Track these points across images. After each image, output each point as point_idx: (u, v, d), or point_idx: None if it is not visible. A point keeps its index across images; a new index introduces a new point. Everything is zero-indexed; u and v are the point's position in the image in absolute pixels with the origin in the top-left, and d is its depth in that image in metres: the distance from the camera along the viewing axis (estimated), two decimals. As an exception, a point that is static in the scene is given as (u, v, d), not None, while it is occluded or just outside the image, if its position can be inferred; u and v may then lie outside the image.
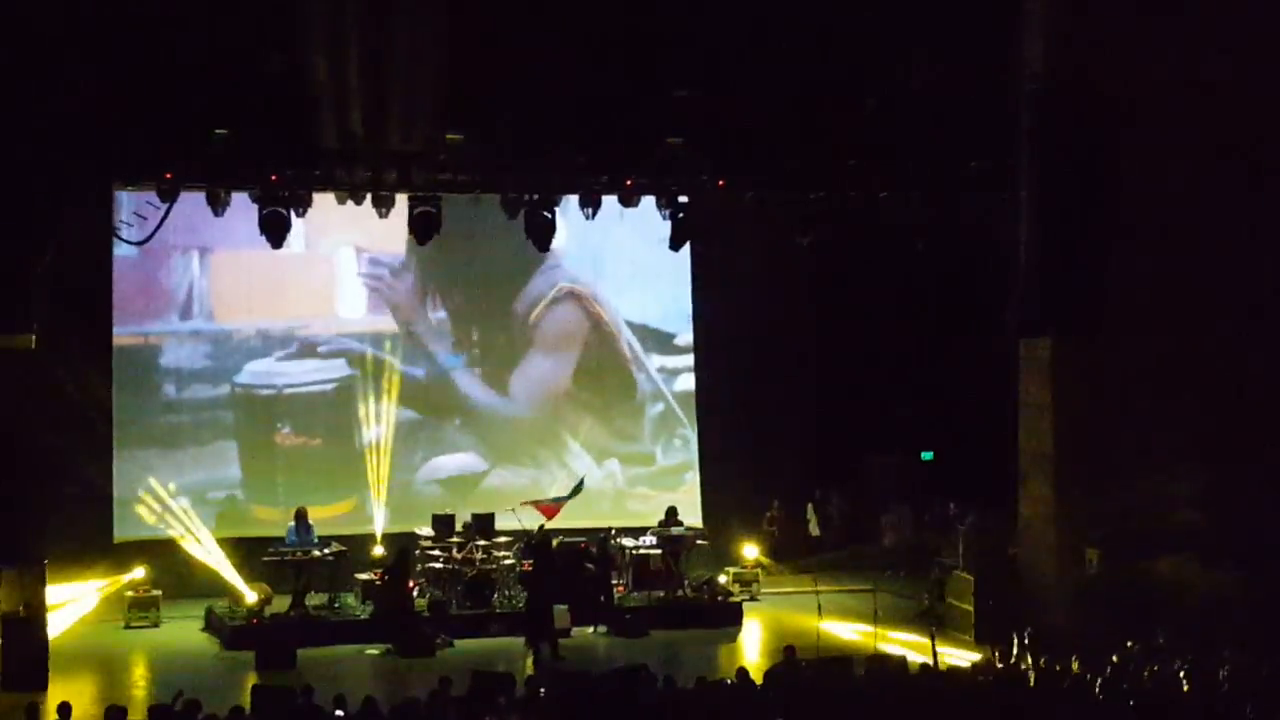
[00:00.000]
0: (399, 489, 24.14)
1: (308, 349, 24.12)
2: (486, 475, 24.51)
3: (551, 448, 25.04)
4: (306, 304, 24.22)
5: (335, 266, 24.26)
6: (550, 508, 22.24)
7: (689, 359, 25.46)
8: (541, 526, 21.37)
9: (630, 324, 25.35)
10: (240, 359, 23.88)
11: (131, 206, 21.63)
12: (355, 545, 22.16)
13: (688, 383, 25.54)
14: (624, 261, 24.95)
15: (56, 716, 13.34)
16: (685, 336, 25.50)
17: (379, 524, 23.06)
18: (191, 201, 20.62)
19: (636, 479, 25.30)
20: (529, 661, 19.10)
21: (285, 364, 24.01)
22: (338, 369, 24.24)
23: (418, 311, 24.53)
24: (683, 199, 21.91)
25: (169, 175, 20.14)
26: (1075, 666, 15.26)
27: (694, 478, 25.41)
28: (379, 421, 24.17)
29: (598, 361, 25.16)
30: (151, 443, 23.44)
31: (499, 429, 24.86)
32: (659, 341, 25.47)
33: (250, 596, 20.53)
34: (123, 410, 23.25)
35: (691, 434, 25.42)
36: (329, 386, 24.21)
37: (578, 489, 22.77)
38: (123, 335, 23.32)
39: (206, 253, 23.57)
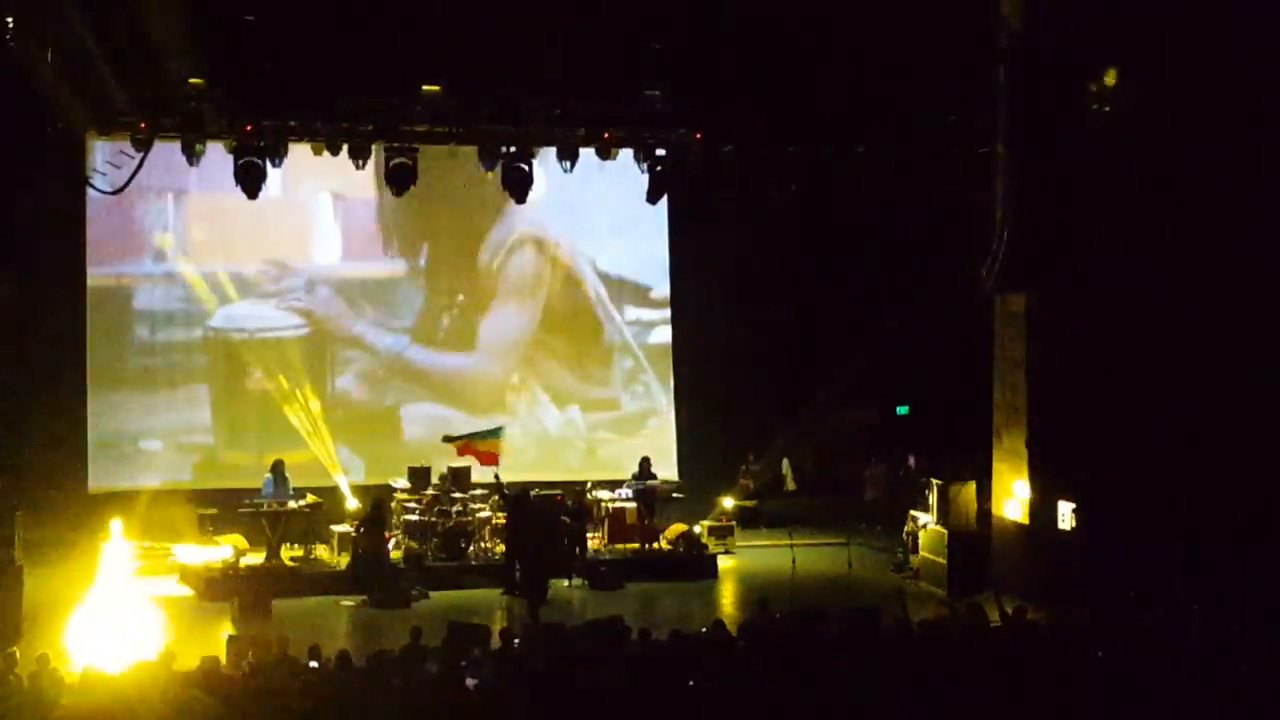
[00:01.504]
0: (369, 437, 24.16)
1: (282, 293, 24.07)
2: (456, 422, 24.56)
3: (520, 395, 25.08)
4: (281, 248, 24.21)
5: (311, 212, 24.24)
6: (480, 453, 22.18)
7: (662, 312, 25.49)
8: (526, 489, 21.35)
9: (603, 274, 25.36)
10: (213, 302, 23.80)
11: (105, 156, 21.56)
12: (330, 497, 22.20)
13: (655, 332, 25.62)
14: (600, 213, 24.94)
15: (35, 667, 13.33)
16: (658, 287, 25.53)
17: (343, 480, 23.07)
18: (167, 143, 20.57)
19: (597, 424, 25.38)
20: (503, 614, 19.18)
21: (258, 308, 23.95)
22: (311, 314, 24.21)
23: (392, 258, 24.50)
24: (660, 152, 21.88)
25: (144, 125, 20.05)
26: (1047, 619, 15.37)
27: (657, 423, 25.64)
28: (349, 369, 24.18)
29: (563, 309, 25.16)
30: (124, 386, 23.40)
31: (468, 376, 24.95)
32: (630, 291, 25.49)
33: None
34: (95, 352, 23.22)
35: (654, 380, 25.48)
36: (302, 331, 24.19)
37: (497, 431, 22.72)
38: (96, 276, 23.24)
39: (181, 195, 23.49)
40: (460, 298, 25.02)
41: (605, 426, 25.54)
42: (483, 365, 25.02)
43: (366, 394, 24.46)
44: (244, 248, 23.88)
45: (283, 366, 24.09)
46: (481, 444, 22.38)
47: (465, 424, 24.30)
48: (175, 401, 23.77)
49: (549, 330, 25.18)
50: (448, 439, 22.52)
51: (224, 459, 23.90)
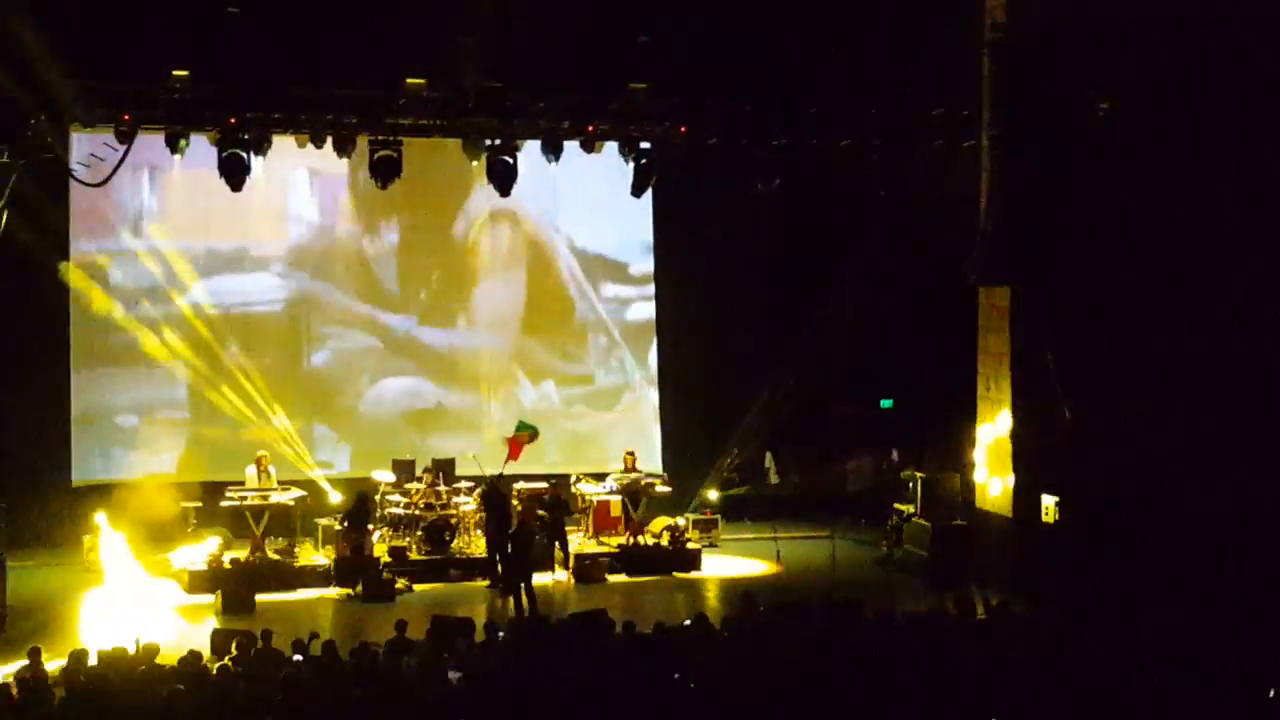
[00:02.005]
0: (345, 413, 24.17)
1: (258, 269, 24.04)
2: (432, 399, 24.57)
3: (496, 371, 25.10)
4: (258, 224, 24.09)
5: (288, 188, 24.11)
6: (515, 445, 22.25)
7: (639, 289, 25.45)
8: (499, 475, 21.32)
9: (578, 250, 25.34)
10: (190, 278, 23.77)
11: (89, 148, 21.50)
12: (315, 490, 22.19)
13: (631, 309, 25.65)
14: (576, 188, 24.81)
15: (27, 659, 13.31)
16: (635, 263, 25.46)
17: (321, 473, 23.08)
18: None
19: (572, 399, 25.43)
20: (486, 607, 19.19)
21: (235, 283, 23.88)
22: (287, 290, 24.18)
23: (368, 233, 24.45)
24: (645, 145, 21.88)
25: (126, 117, 20.00)
26: (1028, 612, 15.42)
27: (631, 399, 25.65)
28: (326, 344, 24.18)
29: (538, 284, 25.11)
30: (101, 362, 23.35)
31: (445, 353, 24.92)
32: (606, 267, 25.48)
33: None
34: (75, 330, 23.18)
35: (628, 356, 25.57)
36: (277, 307, 24.15)
37: (532, 430, 22.71)
38: (74, 253, 23.14)
39: (158, 171, 23.38)
40: (436, 274, 24.91)
41: (580, 401, 25.54)
42: (459, 340, 24.96)
43: (343, 369, 24.40)
44: (220, 223, 23.74)
45: (259, 342, 24.04)
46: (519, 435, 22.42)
47: (442, 398, 24.47)
48: (152, 378, 23.67)
49: (524, 305, 25.08)
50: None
51: (201, 435, 23.80)
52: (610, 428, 24.42)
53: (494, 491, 20.58)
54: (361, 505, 20.88)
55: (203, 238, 23.75)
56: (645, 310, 25.69)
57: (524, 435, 22.27)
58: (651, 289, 25.57)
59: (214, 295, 23.87)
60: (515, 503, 21.08)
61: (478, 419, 24.75)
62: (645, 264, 25.55)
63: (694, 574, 21.50)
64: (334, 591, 19.96)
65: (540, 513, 20.93)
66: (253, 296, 24.06)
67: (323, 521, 21.35)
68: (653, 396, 25.75)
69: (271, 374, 23.86)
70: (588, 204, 24.98)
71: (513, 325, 25.25)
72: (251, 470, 21.39)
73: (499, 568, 20.01)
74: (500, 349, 25.24)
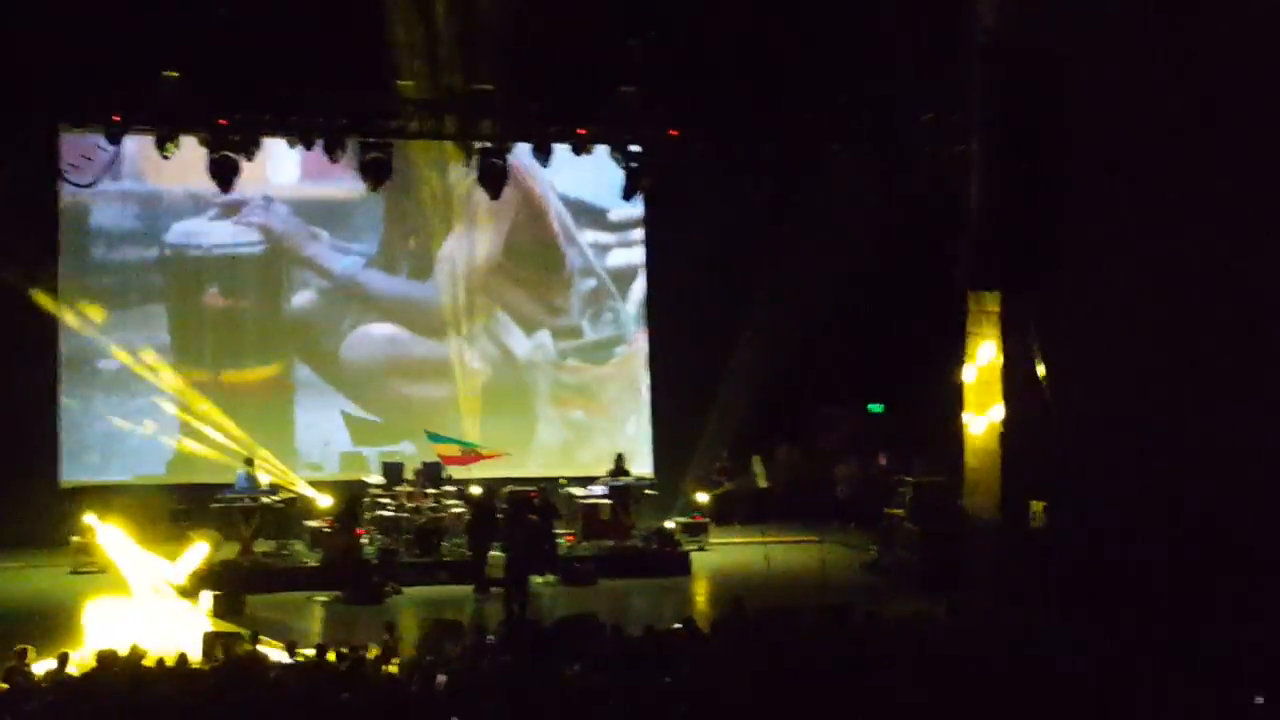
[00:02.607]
0: (325, 357, 24.14)
1: (238, 210, 23.98)
2: (412, 346, 24.62)
3: (480, 319, 25.06)
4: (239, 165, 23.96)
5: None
6: (452, 457, 22.41)
7: (624, 235, 25.36)
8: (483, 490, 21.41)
9: (564, 197, 25.31)
10: (169, 219, 23.73)
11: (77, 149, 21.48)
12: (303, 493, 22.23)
13: (620, 257, 25.66)
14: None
15: (15, 660, 13.29)
16: (619, 211, 25.34)
17: (305, 484, 23.09)
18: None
19: (566, 351, 25.46)
20: (475, 610, 19.20)
21: (215, 225, 23.82)
22: (267, 232, 24.16)
23: (351, 178, 24.35)
24: (635, 148, 21.88)
25: (117, 118, 19.98)
26: (1018, 616, 15.45)
27: (625, 351, 25.69)
28: (307, 286, 24.15)
29: (528, 234, 25.03)
30: (82, 305, 23.34)
31: (427, 300, 24.91)
32: (593, 216, 25.40)
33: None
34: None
35: (620, 306, 25.57)
36: (258, 249, 24.09)
37: (470, 444, 22.84)
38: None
39: None
40: (420, 221, 24.82)
41: (573, 354, 25.56)
42: (443, 287, 24.93)
43: (322, 314, 24.40)
44: (200, 165, 23.63)
45: (239, 284, 24.04)
46: (453, 449, 22.50)
47: (420, 347, 24.60)
48: (133, 320, 23.66)
49: (512, 256, 24.93)
50: (432, 436, 22.64)
51: (183, 373, 23.77)
52: (605, 383, 24.44)
53: (483, 502, 20.64)
54: (351, 507, 20.88)
55: (182, 180, 23.50)
56: (626, 251, 25.62)
57: (469, 450, 22.45)
58: (631, 229, 25.42)
59: (194, 236, 23.84)
60: (505, 505, 21.17)
61: (457, 368, 24.76)
62: (621, 207, 25.16)
63: (683, 577, 21.51)
64: (323, 593, 19.93)
65: (530, 516, 20.95)
66: (232, 237, 23.98)
67: (312, 523, 21.34)
68: (644, 346, 25.79)
69: (251, 316, 23.93)
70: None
71: (497, 274, 25.12)
72: (241, 473, 21.39)
73: (486, 572, 20.03)
74: (485, 298, 25.14)
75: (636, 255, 25.74)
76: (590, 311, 25.64)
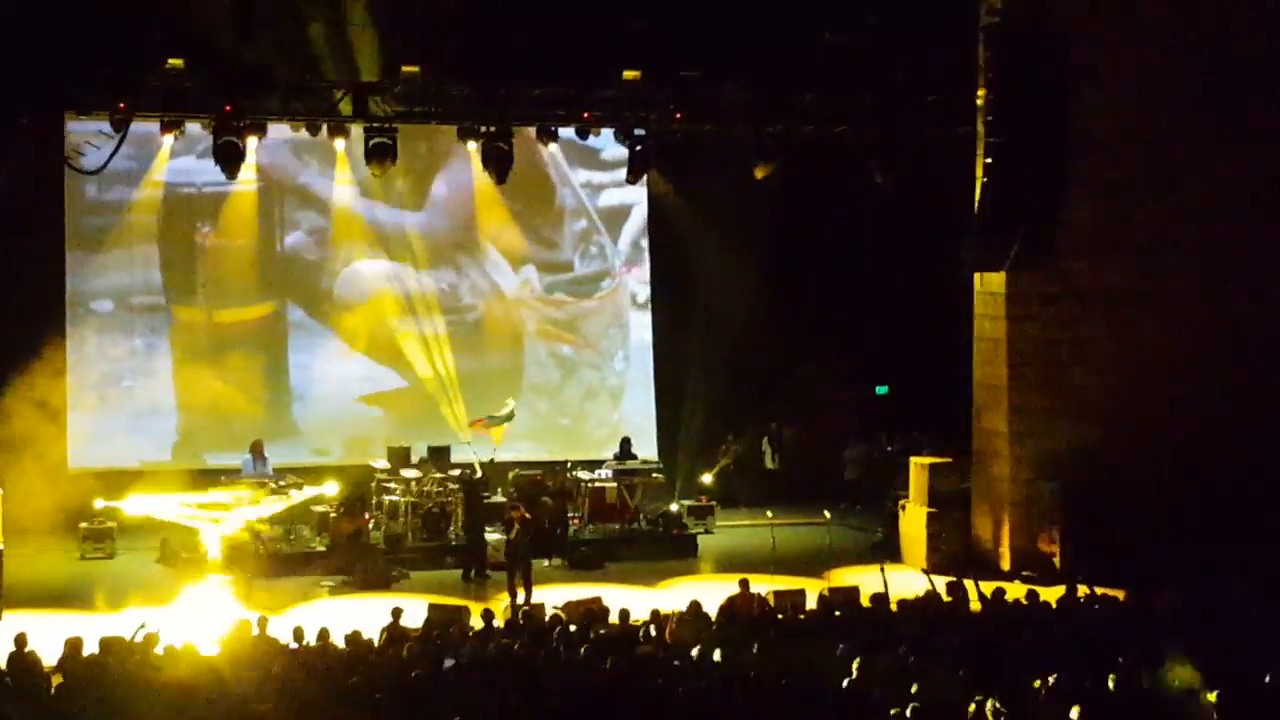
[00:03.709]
0: (318, 294, 24.19)
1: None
2: (405, 280, 24.55)
3: (470, 254, 25.01)
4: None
5: None
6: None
7: (615, 174, 25.12)
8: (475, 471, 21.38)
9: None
10: (162, 158, 23.40)
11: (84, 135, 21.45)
12: (309, 477, 22.14)
13: (611, 197, 25.53)
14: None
15: (14, 646, 13.33)
16: (608, 149, 24.99)
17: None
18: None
19: (554, 286, 25.44)
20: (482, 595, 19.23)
21: (206, 162, 23.61)
22: (260, 168, 23.60)
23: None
24: (640, 131, 21.85)
25: (122, 105, 19.97)
26: (1024, 599, 15.48)
27: (610, 285, 25.68)
28: (301, 224, 24.08)
29: (518, 167, 24.76)
30: (75, 246, 23.28)
31: (418, 235, 24.75)
32: (583, 153, 25.11)
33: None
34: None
35: (608, 242, 25.57)
36: (250, 187, 23.86)
37: (510, 416, 22.72)
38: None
39: None
40: (409, 157, 23.98)
41: (561, 288, 25.48)
42: (433, 222, 24.76)
43: (316, 250, 24.26)
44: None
45: (232, 221, 23.87)
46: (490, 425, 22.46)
47: (414, 281, 24.46)
48: (124, 260, 23.54)
49: (502, 189, 24.67)
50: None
51: (176, 316, 23.72)
52: (590, 317, 24.71)
53: (471, 483, 20.68)
54: (357, 492, 20.91)
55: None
56: (617, 191, 25.40)
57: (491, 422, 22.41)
58: (622, 168, 25.05)
59: (185, 174, 23.60)
60: (512, 490, 21.21)
61: (451, 304, 24.74)
62: (613, 146, 24.43)
63: (690, 560, 21.52)
64: (330, 578, 19.94)
65: (545, 499, 20.98)
66: (222, 176, 23.74)
67: (319, 508, 21.33)
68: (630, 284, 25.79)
69: (243, 254, 23.87)
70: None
71: (488, 207, 24.91)
72: (247, 458, 21.40)
73: (478, 557, 20.08)
74: (474, 231, 25.02)
75: (630, 195, 25.47)
76: (581, 248, 25.51)
